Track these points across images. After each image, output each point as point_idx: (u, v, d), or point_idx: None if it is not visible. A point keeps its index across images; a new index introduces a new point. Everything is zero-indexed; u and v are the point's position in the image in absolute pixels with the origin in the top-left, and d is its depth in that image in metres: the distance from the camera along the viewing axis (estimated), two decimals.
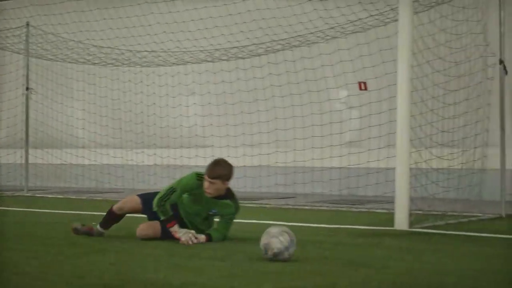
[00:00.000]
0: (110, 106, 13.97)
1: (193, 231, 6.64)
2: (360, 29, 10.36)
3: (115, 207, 6.98)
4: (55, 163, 15.18)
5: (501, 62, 9.52)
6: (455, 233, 7.76)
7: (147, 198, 6.85)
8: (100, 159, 14.20)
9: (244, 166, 12.31)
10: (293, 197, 11.79)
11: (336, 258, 5.84)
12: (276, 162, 12.11)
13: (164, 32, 11.72)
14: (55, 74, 14.79)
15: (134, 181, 13.60)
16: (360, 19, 10.02)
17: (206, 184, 6.57)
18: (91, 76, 13.96)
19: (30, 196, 13.39)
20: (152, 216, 6.81)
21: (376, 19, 9.78)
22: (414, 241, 7.06)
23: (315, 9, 10.36)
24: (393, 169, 8.09)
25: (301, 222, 8.56)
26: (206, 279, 4.63)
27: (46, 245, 6.36)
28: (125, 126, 13.75)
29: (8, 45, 13.77)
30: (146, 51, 12.33)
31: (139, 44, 12.25)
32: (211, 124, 12.96)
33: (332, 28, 10.38)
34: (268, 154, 12.19)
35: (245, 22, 11.02)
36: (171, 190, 6.69)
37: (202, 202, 6.76)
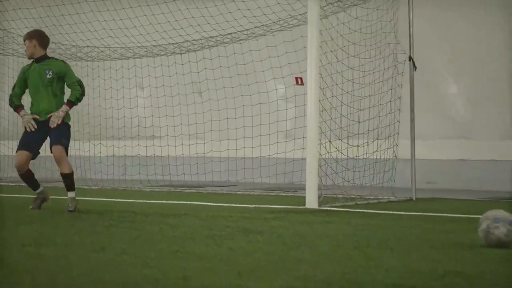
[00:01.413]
0: None
1: (34, 116, 8.28)
2: (284, 28, 11.21)
3: (18, 171, 8.41)
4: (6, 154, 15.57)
5: (410, 58, 10.42)
6: (359, 211, 8.65)
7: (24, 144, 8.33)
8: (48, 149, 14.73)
9: (182, 155, 13.09)
10: (234, 185, 12.56)
11: (236, 227, 6.75)
12: (211, 151, 12.84)
13: (104, 29, 12.40)
14: (12, 70, 15.28)
15: (82, 170, 14.22)
16: (281, 19, 10.88)
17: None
18: None
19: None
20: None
21: (296, 19, 10.63)
22: (315, 216, 7.92)
23: (238, 9, 11.20)
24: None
25: (227, 203, 9.41)
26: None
27: None
28: (73, 118, 14.35)
29: None
30: (89, 46, 13.02)
31: (81, 39, 12.91)
32: (152, 115, 13.68)
33: (257, 27, 11.23)
34: (204, 143, 12.96)
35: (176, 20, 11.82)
36: (13, 87, 8.58)
37: (35, 72, 8.34)
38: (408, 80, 10.49)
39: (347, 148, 10.18)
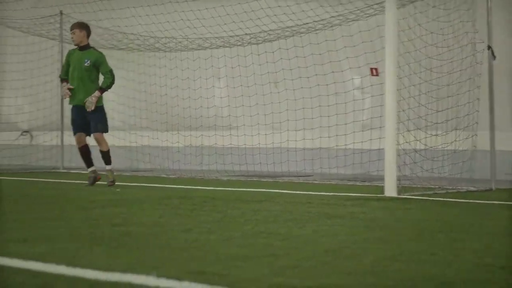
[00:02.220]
0: (137, 89, 14.89)
1: (69, 86, 9.84)
2: (360, 17, 11.20)
3: (78, 146, 10.20)
4: (90, 144, 16.02)
5: (489, 47, 10.27)
6: (438, 199, 8.60)
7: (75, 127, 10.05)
8: (130, 139, 15.05)
9: (259, 145, 13.18)
10: (310, 175, 12.61)
11: (317, 212, 6.83)
12: (288, 141, 12.90)
13: (182, 19, 12.60)
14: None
15: (160, 159, 14.46)
16: (357, 8, 10.88)
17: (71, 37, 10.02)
18: (119, 60, 14.84)
19: (65, 172, 14.41)
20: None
21: (373, 8, 10.62)
22: (394, 203, 7.92)
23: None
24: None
25: (304, 191, 9.48)
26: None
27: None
28: (151, 108, 14.65)
29: (43, 32, 14.75)
30: (166, 37, 13.24)
31: (160, 30, 13.14)
32: (229, 105, 13.82)
33: (333, 17, 11.24)
34: (280, 133, 13.02)
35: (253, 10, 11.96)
36: (62, 67, 10.47)
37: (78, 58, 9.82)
38: (487, 69, 10.34)
39: (425, 138, 10.12)
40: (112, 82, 9.89)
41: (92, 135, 10.08)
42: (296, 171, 12.80)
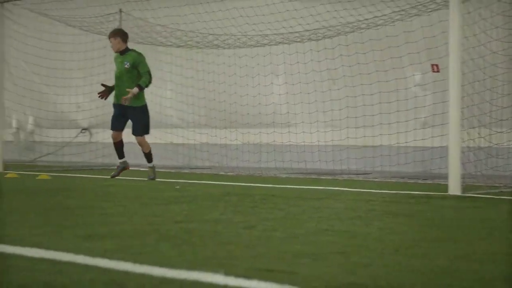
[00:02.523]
0: (195, 86, 14.89)
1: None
2: (422, 13, 10.98)
3: (113, 141, 11.01)
4: (148, 141, 16.08)
5: None
6: (505, 198, 8.34)
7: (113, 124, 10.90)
8: (188, 136, 15.07)
9: (318, 142, 13.06)
10: (369, 173, 12.44)
11: (381, 209, 6.69)
12: (347, 138, 12.75)
13: (241, 16, 12.54)
14: (146, 57, 15.77)
15: (219, 157, 14.44)
16: (419, 3, 10.66)
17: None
18: (178, 58, 14.87)
19: None
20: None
21: (435, 2, 10.39)
22: (460, 202, 7.73)
23: None
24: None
25: (365, 189, 9.34)
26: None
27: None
28: (210, 105, 14.64)
29: (103, 30, 14.86)
30: (226, 34, 13.20)
31: (219, 27, 13.10)
32: (287, 102, 13.71)
33: (394, 12, 11.05)
34: (340, 130, 12.88)
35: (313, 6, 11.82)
36: None
37: (119, 62, 10.66)
38: None
39: (490, 135, 9.89)
40: (149, 82, 10.62)
41: (136, 138, 10.90)
42: (355, 169, 12.64)
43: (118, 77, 10.69)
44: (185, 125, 15.15)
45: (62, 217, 5.89)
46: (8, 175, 11.57)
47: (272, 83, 13.92)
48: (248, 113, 13.98)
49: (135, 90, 10.43)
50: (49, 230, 5.02)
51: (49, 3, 14.28)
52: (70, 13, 14.81)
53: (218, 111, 14.39)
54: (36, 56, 16.02)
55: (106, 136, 16.21)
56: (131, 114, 10.65)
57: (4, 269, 3.67)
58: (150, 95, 15.91)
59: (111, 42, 10.81)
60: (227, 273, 3.47)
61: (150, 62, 15.77)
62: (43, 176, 11.27)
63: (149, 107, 15.13)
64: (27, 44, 15.88)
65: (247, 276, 3.43)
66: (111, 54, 15.52)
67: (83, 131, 17.12)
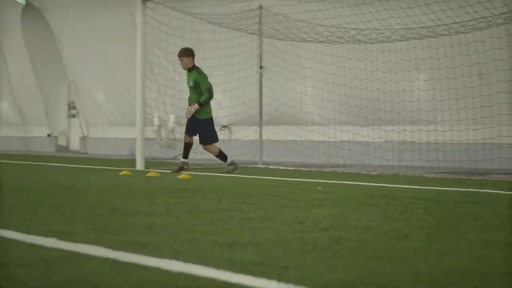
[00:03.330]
0: (336, 82, 14.48)
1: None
2: None
3: (185, 141, 12.00)
4: (288, 139, 15.89)
5: None
6: None
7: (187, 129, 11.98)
8: (329, 134, 14.72)
9: (467, 140, 12.37)
10: None
11: None
12: (499, 136, 12.00)
13: (385, 9, 12.02)
14: (286, 53, 15.53)
15: (361, 155, 14.01)
16: None
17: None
18: (319, 54, 14.51)
19: (264, 168, 14.31)
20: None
21: None
22: None
23: None
24: None
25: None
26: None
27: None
28: (351, 102, 14.20)
29: (243, 26, 14.71)
30: (369, 28, 12.70)
31: (362, 22, 12.62)
32: (434, 99, 13.07)
33: None
34: (491, 128, 12.13)
35: None
36: None
37: (187, 78, 11.77)
38: None
39: None
40: (209, 98, 11.71)
41: (203, 146, 12.13)
42: (509, 169, 11.85)
43: (190, 92, 11.89)
44: (325, 122, 14.77)
45: (200, 222, 5.63)
46: (149, 174, 11.58)
47: (417, 78, 13.32)
48: (391, 110, 13.45)
49: (196, 106, 11.66)
50: (189, 238, 4.76)
51: (190, 1, 14.25)
52: (210, 10, 14.74)
53: (360, 108, 13.92)
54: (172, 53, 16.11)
55: (246, 133, 16.12)
56: (198, 126, 11.83)
57: (144, 283, 3.41)
58: (290, 92, 15.68)
59: (182, 61, 11.79)
60: None
61: (290, 58, 15.57)
62: (184, 175, 11.19)
63: (289, 104, 14.93)
64: (169, 42, 15.94)
65: None
66: (252, 50, 15.49)
67: (223, 128, 17.08)
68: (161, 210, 6.32)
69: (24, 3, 23.45)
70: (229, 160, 12.24)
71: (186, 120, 12.05)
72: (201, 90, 11.66)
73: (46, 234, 4.76)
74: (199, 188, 8.90)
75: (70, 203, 6.87)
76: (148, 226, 5.26)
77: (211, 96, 11.70)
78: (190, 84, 11.73)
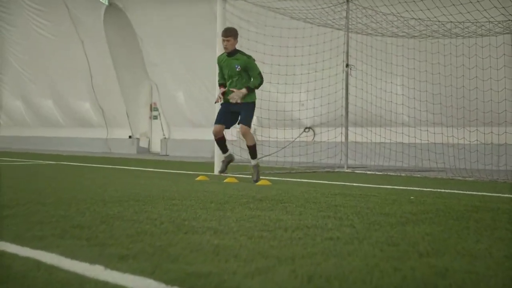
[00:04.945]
0: (429, 80, 13.49)
1: (222, 91, 10.65)
2: None
3: (214, 137, 10.77)
4: (375, 141, 15.07)
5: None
6: None
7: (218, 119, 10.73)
8: (420, 136, 13.80)
9: None
10: None
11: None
12: None
13: (478, 1, 10.97)
14: (374, 50, 14.64)
15: (455, 159, 13.02)
16: None
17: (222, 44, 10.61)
18: (410, 50, 13.56)
19: (350, 172, 13.48)
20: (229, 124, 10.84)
21: None
22: None
23: None
24: None
25: None
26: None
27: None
28: (445, 102, 13.19)
29: (328, 21, 13.86)
30: (468, 21, 11.65)
31: (460, 13, 11.57)
32: None
33: None
34: None
35: None
36: (218, 73, 10.93)
37: (228, 63, 10.57)
38: None
39: None
40: (260, 83, 10.56)
41: (239, 126, 10.61)
42: None
43: (229, 80, 10.67)
44: (417, 123, 13.78)
45: (278, 243, 4.82)
46: (227, 180, 10.91)
47: (504, 77, 12.20)
48: (490, 111, 12.37)
49: (244, 91, 10.49)
50: (262, 267, 3.97)
51: None
52: (293, 4, 13.95)
53: (455, 108, 12.87)
54: (259, 52, 15.36)
55: (330, 135, 15.27)
56: (240, 108, 10.56)
57: None
58: (379, 91, 14.75)
59: (228, 41, 10.57)
60: None
61: (379, 55, 14.65)
62: (264, 181, 10.44)
63: (377, 104, 14.01)
64: (249, 39, 15.23)
65: None
66: (338, 47, 14.61)
67: (306, 130, 16.28)
68: (233, 227, 5.54)
69: (107, 3, 23.20)
70: (226, 158, 11.02)
71: (219, 107, 10.88)
72: (248, 75, 10.55)
73: (94, 259, 4.04)
74: (280, 197, 8.10)
75: (135, 216, 6.18)
76: (214, 249, 4.48)
77: (262, 81, 10.62)
78: (237, 69, 10.53)
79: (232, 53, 10.64)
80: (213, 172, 12.67)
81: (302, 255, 4.31)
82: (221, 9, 12.53)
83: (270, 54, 15.00)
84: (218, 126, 10.74)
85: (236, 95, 10.46)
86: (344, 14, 13.52)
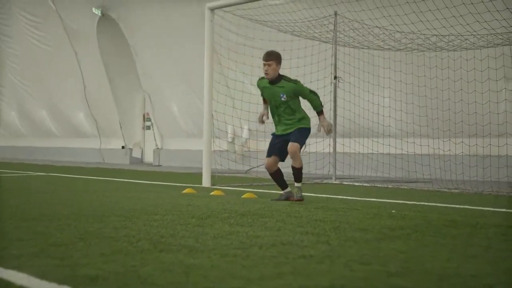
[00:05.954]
0: (416, 93, 13.57)
1: (264, 112, 9.65)
2: None
3: (268, 171, 9.51)
4: (363, 152, 15.14)
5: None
6: None
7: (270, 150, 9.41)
8: (407, 148, 13.87)
9: None
10: None
11: None
12: None
13: (470, 13, 11.04)
14: (362, 62, 14.71)
15: (441, 171, 13.09)
16: None
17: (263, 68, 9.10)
18: (397, 62, 13.63)
19: (338, 183, 13.53)
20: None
21: None
22: None
23: None
24: None
25: None
26: None
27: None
28: (432, 114, 13.27)
29: (316, 34, 13.93)
30: (451, 35, 11.74)
31: (444, 27, 11.66)
32: None
33: None
34: None
35: None
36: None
37: (271, 91, 9.20)
38: None
39: None
40: (319, 98, 9.32)
41: (289, 144, 9.20)
42: None
43: (273, 111, 9.40)
44: (404, 135, 13.86)
45: (249, 262, 4.88)
46: (213, 192, 10.96)
47: (504, 88, 12.28)
48: (475, 123, 12.44)
49: (330, 122, 10.01)
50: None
51: (258, 8, 13.57)
52: (281, 18, 14.03)
53: (441, 120, 12.95)
54: (247, 65, 15.44)
55: (318, 147, 15.34)
56: (298, 133, 9.29)
57: None
58: (366, 103, 14.81)
59: (270, 65, 9.08)
60: None
61: (366, 67, 14.72)
62: (249, 194, 10.48)
63: (364, 116, 14.10)
64: (237, 52, 15.32)
65: None
66: (325, 59, 14.67)
67: None
68: (209, 244, 5.58)
69: (99, 14, 23.27)
70: (286, 193, 9.66)
71: (271, 140, 9.52)
72: (296, 99, 9.18)
73: (63, 280, 4.09)
74: (262, 211, 8.15)
75: (113, 233, 6.22)
76: (185, 270, 4.53)
77: (317, 93, 9.33)
78: (282, 99, 9.13)
79: (275, 81, 9.19)
80: (201, 184, 12.71)
81: (271, 275, 4.36)
82: (208, 22, 12.59)
83: (258, 66, 15.06)
84: (271, 159, 9.45)
85: (328, 128, 9.39)
86: (332, 27, 13.59)
